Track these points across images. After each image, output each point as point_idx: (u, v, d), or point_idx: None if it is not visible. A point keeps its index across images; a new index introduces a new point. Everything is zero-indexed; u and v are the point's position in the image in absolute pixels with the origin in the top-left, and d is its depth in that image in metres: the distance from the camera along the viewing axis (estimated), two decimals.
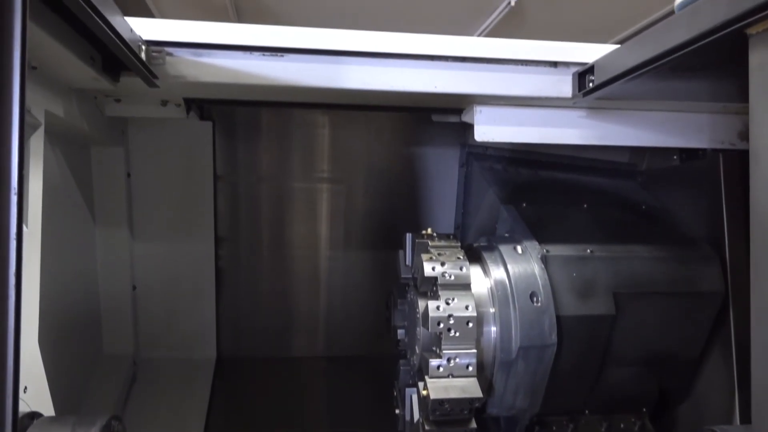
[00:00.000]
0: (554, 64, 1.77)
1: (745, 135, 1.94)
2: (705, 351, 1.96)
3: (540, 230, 1.94)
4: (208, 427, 2.40)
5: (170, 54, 1.62)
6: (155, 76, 1.61)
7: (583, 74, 1.71)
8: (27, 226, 1.44)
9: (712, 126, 1.97)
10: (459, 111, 2.07)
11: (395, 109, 2.20)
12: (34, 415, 1.30)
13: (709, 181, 1.98)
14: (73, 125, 1.85)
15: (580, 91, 1.73)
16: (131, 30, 1.47)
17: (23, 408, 1.31)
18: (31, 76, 1.45)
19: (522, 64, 1.76)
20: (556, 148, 2.36)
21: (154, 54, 1.60)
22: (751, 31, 1.13)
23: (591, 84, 1.67)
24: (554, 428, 1.95)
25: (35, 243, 1.47)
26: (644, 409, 1.99)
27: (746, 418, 1.78)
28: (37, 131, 1.52)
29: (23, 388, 1.33)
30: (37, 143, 1.53)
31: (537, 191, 2.29)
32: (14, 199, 0.83)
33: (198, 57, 1.63)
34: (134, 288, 2.65)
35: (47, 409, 1.44)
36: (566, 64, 1.77)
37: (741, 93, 1.42)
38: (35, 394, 1.40)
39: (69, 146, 2.12)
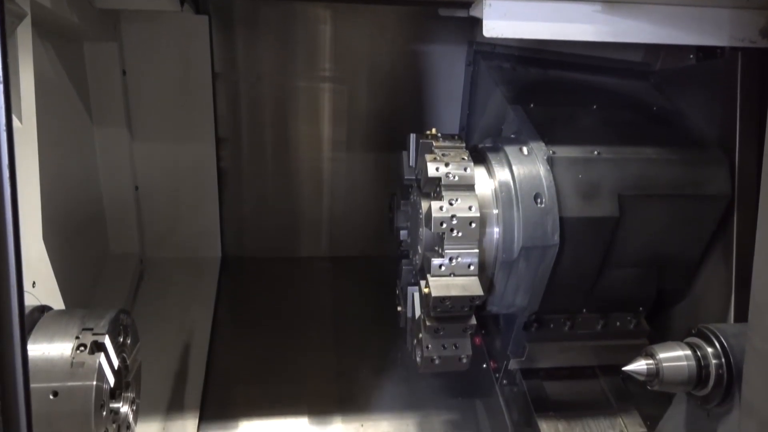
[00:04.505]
0: None
1: (767, 31, 1.85)
2: (705, 253, 1.98)
3: (547, 131, 1.90)
4: (216, 324, 2.48)
5: None
6: None
7: None
8: (21, 122, 1.40)
9: (733, 22, 1.86)
10: (467, 5, 1.96)
11: (401, 2, 2.09)
12: (44, 309, 1.33)
13: (725, 82, 1.92)
14: (62, 17, 1.76)
15: None
16: None
17: (33, 302, 1.34)
18: None
19: None
20: (568, 45, 2.26)
21: None
22: None
23: None
24: (552, 326, 2.00)
25: (31, 139, 1.44)
26: (641, 309, 2.04)
27: (740, 319, 1.82)
28: (23, 21, 1.44)
29: (32, 282, 1.35)
30: (24, 35, 1.46)
31: (546, 91, 2.22)
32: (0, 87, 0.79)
33: None
34: (137, 188, 2.64)
35: (57, 304, 1.47)
36: None
37: None
38: (44, 289, 1.42)
39: (60, 41, 2.04)
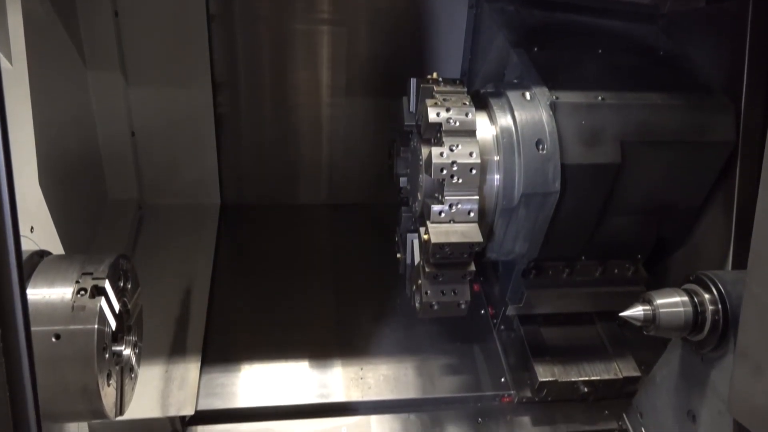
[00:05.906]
0: None
1: None
2: (706, 200, 1.97)
3: (551, 76, 1.86)
4: (216, 270, 2.49)
5: None
6: None
7: None
8: (11, 64, 1.36)
9: None
10: None
11: None
12: (43, 253, 1.33)
13: (734, 26, 1.87)
14: None
15: None
16: None
17: (32, 247, 1.33)
18: None
19: None
20: None
21: None
22: None
23: None
24: (550, 272, 2.02)
25: (23, 81, 1.40)
26: (639, 256, 2.04)
27: (738, 266, 1.83)
28: None
29: (29, 227, 1.34)
30: None
31: (550, 35, 2.16)
32: None
33: None
34: (133, 134, 2.61)
35: (56, 249, 1.47)
36: None
37: None
38: (42, 234, 1.41)
39: None
